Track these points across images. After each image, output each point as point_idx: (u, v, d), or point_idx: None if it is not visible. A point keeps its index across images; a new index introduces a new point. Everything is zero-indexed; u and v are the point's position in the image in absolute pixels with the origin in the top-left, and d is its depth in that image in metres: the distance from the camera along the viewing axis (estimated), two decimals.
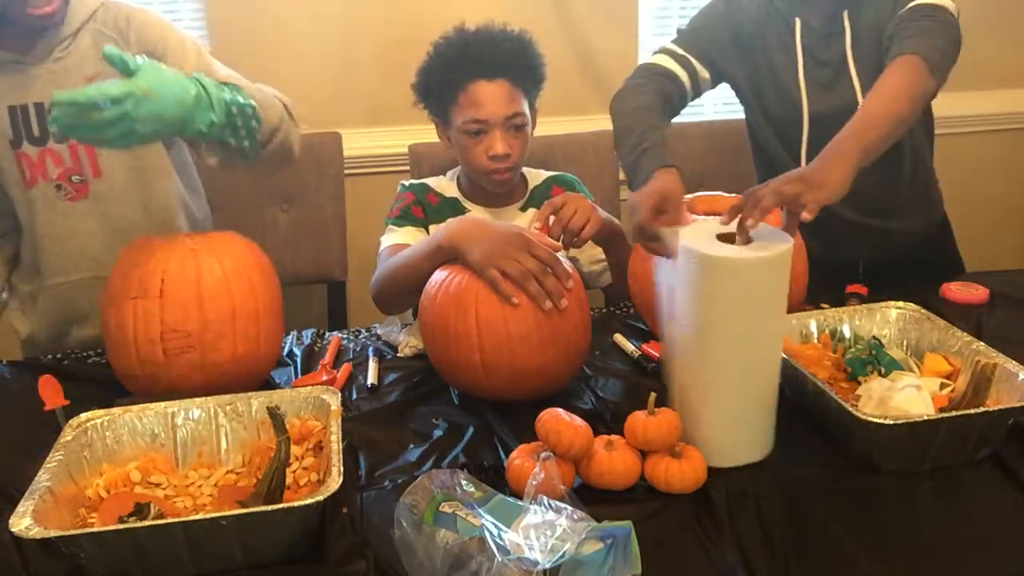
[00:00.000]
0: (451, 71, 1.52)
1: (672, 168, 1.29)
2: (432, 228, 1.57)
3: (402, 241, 1.54)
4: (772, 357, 1.10)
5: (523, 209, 1.65)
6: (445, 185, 1.66)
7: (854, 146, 1.21)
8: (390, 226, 1.60)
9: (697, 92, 1.65)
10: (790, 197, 1.12)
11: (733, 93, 1.74)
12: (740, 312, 1.03)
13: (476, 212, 1.61)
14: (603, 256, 1.62)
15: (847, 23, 1.55)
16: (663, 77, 1.60)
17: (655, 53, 1.64)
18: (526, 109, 1.55)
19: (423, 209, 1.62)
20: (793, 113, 1.61)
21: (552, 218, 1.39)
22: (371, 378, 1.36)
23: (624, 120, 1.49)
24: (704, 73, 1.62)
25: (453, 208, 1.61)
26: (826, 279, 1.40)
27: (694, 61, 1.61)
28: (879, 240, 1.71)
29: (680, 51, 1.61)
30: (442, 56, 1.54)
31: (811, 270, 1.43)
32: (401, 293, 1.43)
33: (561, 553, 0.85)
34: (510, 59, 1.53)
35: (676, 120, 1.64)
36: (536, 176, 1.69)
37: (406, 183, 1.68)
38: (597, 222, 1.40)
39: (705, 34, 1.63)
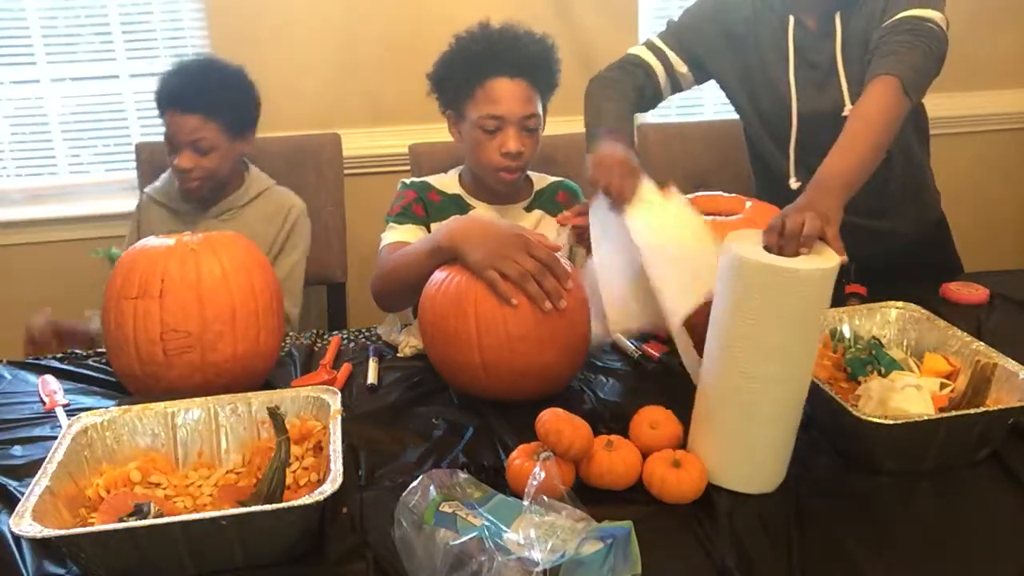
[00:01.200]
0: (473, 65, 1.52)
1: (616, 139, 1.42)
2: (433, 227, 1.57)
3: (403, 239, 1.54)
4: (803, 381, 1.04)
5: (528, 209, 1.66)
6: (447, 182, 1.66)
7: (838, 185, 1.26)
8: (391, 223, 1.60)
9: (676, 87, 1.66)
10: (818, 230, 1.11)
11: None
12: (787, 325, 0.99)
13: (480, 209, 1.62)
14: None
15: (838, 25, 1.55)
16: (640, 70, 1.63)
17: (640, 44, 1.66)
18: (540, 111, 1.56)
19: (424, 207, 1.62)
20: (782, 111, 1.61)
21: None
22: (371, 378, 1.36)
23: (595, 105, 1.58)
24: (682, 68, 1.63)
25: (457, 205, 1.61)
26: None
27: (672, 56, 1.62)
28: (871, 240, 1.71)
29: (660, 45, 1.63)
30: (466, 49, 1.55)
31: None
32: (401, 291, 1.42)
33: (561, 553, 0.85)
34: (533, 61, 1.54)
35: (676, 120, 1.64)
36: (542, 179, 1.70)
37: (407, 181, 1.68)
38: None
39: (692, 32, 1.64)
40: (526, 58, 1.53)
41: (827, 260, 1.01)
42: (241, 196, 1.82)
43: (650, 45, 1.64)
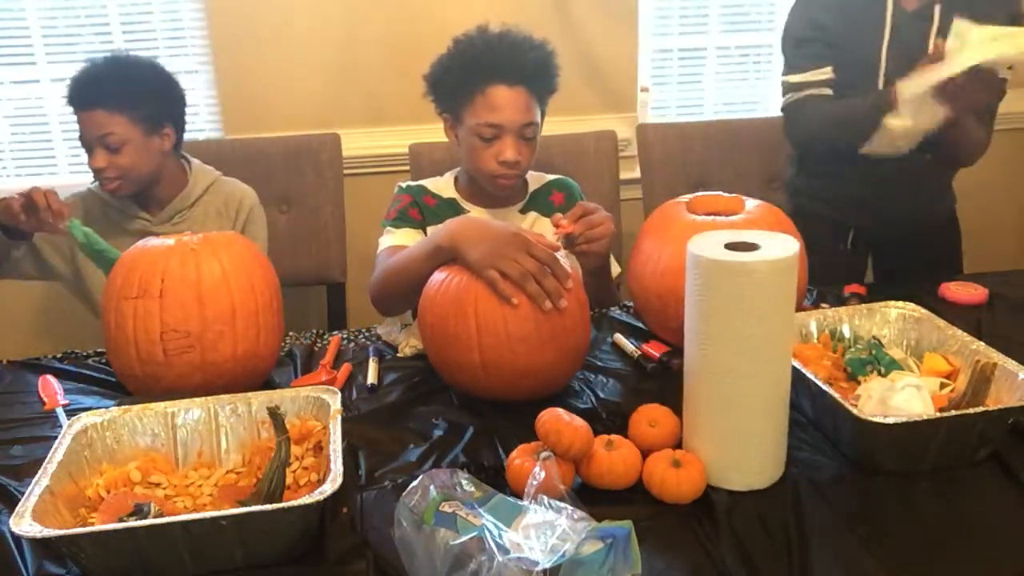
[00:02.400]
0: (472, 71, 1.51)
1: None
2: (430, 230, 1.57)
3: (400, 243, 1.54)
4: (782, 371, 1.05)
5: (523, 211, 1.65)
6: (443, 186, 1.65)
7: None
8: (388, 228, 1.60)
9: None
10: None
11: (732, 93, 1.76)
12: (751, 318, 1.00)
13: (475, 213, 1.61)
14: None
15: (936, 15, 1.65)
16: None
17: (794, 91, 1.78)
18: (539, 119, 1.54)
19: (420, 211, 1.61)
20: (867, 81, 1.72)
21: (588, 219, 1.39)
22: (371, 378, 1.36)
23: (837, 108, 1.74)
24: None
25: (452, 209, 1.61)
26: (812, 240, 1.37)
27: (826, 71, 1.73)
28: (888, 203, 1.79)
29: (815, 78, 1.75)
30: (464, 54, 1.53)
31: (799, 227, 1.40)
32: (400, 294, 1.42)
33: (561, 553, 0.85)
34: (532, 68, 1.52)
35: (676, 120, 1.65)
36: (538, 179, 1.69)
37: (403, 184, 1.68)
38: (608, 246, 1.44)
39: (816, 42, 1.74)
40: (525, 65, 1.51)
41: (782, 251, 1.01)
42: (187, 197, 1.76)
43: (804, 83, 1.75)
